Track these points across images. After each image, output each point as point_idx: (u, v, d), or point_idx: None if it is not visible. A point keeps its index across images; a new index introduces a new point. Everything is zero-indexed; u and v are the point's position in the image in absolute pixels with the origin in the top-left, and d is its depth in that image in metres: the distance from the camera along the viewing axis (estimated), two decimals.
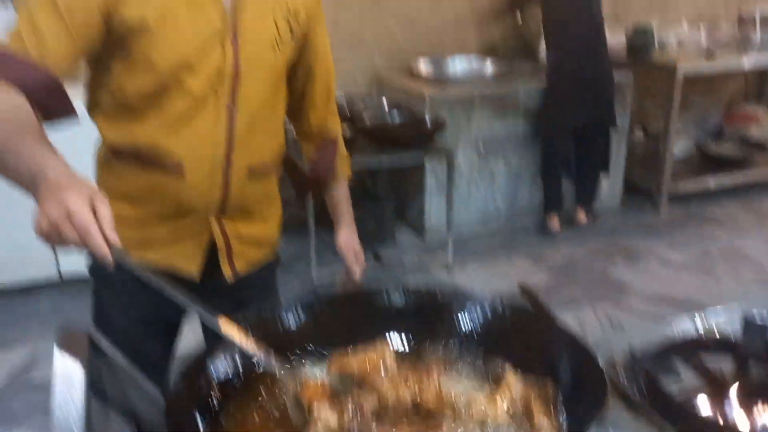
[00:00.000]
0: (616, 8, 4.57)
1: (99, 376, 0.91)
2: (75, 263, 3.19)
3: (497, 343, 0.93)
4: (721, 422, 0.99)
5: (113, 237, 0.87)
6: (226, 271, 1.33)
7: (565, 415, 0.77)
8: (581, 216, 3.97)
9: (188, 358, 0.84)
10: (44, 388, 1.90)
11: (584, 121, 3.79)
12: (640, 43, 4.16)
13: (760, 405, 1.04)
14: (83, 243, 0.85)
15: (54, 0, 1.07)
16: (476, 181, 3.88)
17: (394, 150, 3.28)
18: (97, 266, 1.36)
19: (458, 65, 4.08)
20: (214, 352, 0.87)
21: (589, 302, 3.11)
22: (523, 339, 0.91)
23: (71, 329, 0.86)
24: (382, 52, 4.07)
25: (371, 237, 3.59)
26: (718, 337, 1.16)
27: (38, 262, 3.14)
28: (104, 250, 0.86)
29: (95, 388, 0.90)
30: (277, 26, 1.25)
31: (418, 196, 3.85)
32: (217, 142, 1.23)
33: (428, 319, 0.97)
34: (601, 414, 0.68)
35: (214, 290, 1.30)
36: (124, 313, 1.36)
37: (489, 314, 0.95)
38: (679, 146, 4.55)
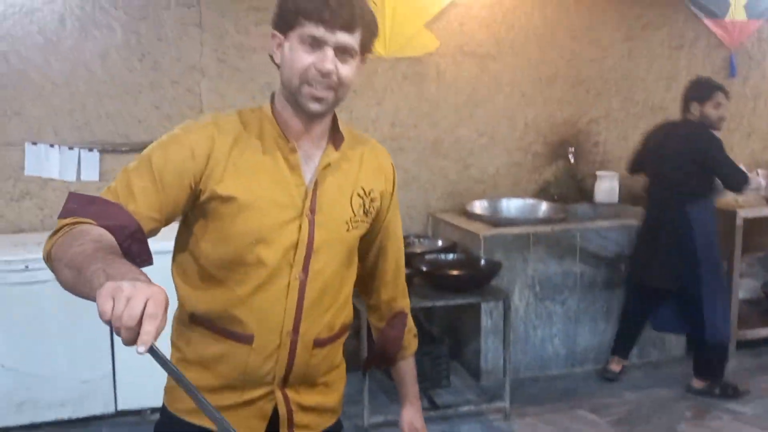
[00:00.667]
0: None
1: None
2: (131, 397, 3.24)
3: None
4: None
5: (159, 332, 0.87)
6: None
7: None
8: (614, 366, 3.78)
9: None
10: None
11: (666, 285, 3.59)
12: None
13: None
14: (138, 326, 0.86)
15: (151, 169, 1.20)
16: (533, 324, 3.83)
17: (450, 291, 3.29)
18: (163, 428, 1.39)
19: (513, 206, 4.17)
20: None
21: None
22: None
23: None
24: (437, 193, 4.20)
25: (426, 379, 3.52)
26: None
27: (98, 397, 3.21)
28: (151, 340, 0.86)
29: None
30: (352, 206, 1.33)
31: (473, 337, 3.80)
32: (287, 313, 1.27)
33: None
34: None
35: None
36: None
37: None
38: (745, 289, 4.41)
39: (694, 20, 4.53)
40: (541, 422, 3.35)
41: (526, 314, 3.80)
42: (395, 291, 1.51)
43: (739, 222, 3.88)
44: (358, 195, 1.34)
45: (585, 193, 4.41)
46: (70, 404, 3.19)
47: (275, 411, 1.33)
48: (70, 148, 3.55)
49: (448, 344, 3.75)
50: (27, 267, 3.04)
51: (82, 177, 3.57)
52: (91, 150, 3.57)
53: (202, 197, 1.24)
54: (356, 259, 1.42)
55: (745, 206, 3.99)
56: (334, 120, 1.34)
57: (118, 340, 3.38)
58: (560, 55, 4.32)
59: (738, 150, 4.77)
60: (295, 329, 1.28)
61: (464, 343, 3.92)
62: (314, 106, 1.23)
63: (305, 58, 1.20)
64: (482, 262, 3.50)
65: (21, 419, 3.14)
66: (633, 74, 4.50)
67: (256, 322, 1.26)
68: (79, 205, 1.16)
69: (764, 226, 4.67)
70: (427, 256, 3.55)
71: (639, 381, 3.76)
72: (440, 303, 3.29)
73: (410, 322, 1.55)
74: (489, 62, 4.18)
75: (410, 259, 3.44)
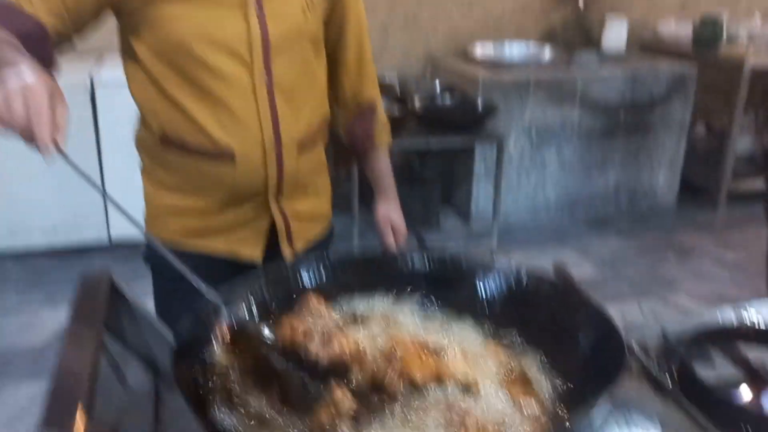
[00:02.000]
0: None
1: (119, 321, 0.92)
2: (124, 228, 3.28)
3: (516, 311, 0.90)
4: (757, 412, 0.93)
5: (62, 132, 0.84)
6: (286, 252, 1.31)
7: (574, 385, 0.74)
8: None
9: (203, 307, 0.84)
10: None
11: None
12: (707, 34, 3.98)
13: None
14: (29, 125, 0.81)
15: None
16: (527, 170, 3.81)
17: (444, 133, 3.24)
18: (152, 254, 1.34)
19: (515, 50, 4.01)
20: (229, 302, 0.86)
21: (635, 298, 3.02)
22: (543, 309, 0.87)
23: (93, 274, 0.87)
24: (437, 35, 4.03)
25: (416, 220, 3.57)
26: (759, 327, 1.10)
27: (91, 226, 3.25)
28: (48, 139, 0.82)
29: (115, 332, 0.91)
30: None
31: (465, 181, 3.80)
32: (262, 121, 1.18)
33: (449, 284, 0.95)
34: (613, 386, 0.65)
35: None
36: (183, 301, 1.35)
37: (512, 283, 0.92)
38: (743, 143, 4.35)
39: None
40: (527, 260, 3.42)
41: (520, 161, 3.77)
42: (360, 81, 1.38)
43: (746, 73, 3.74)
44: None
45: (592, 40, 4.22)
46: (62, 231, 3.24)
47: (272, 226, 1.29)
48: None
49: (440, 188, 3.75)
50: None
51: None
52: None
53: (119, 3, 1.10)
54: (323, 48, 1.29)
55: (755, 57, 3.83)
56: None
57: (108, 168, 3.36)
58: None
59: None
60: (276, 137, 1.19)
61: (456, 188, 3.93)
62: None
63: None
64: (479, 104, 3.42)
65: (15, 242, 3.22)
66: None
67: (232, 137, 1.17)
68: None
69: None
70: (423, 98, 3.46)
71: (626, 227, 3.81)
72: (434, 142, 3.25)
73: (382, 115, 1.43)
74: None
75: (406, 100, 3.36)
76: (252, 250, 1.28)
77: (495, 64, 3.73)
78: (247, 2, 1.13)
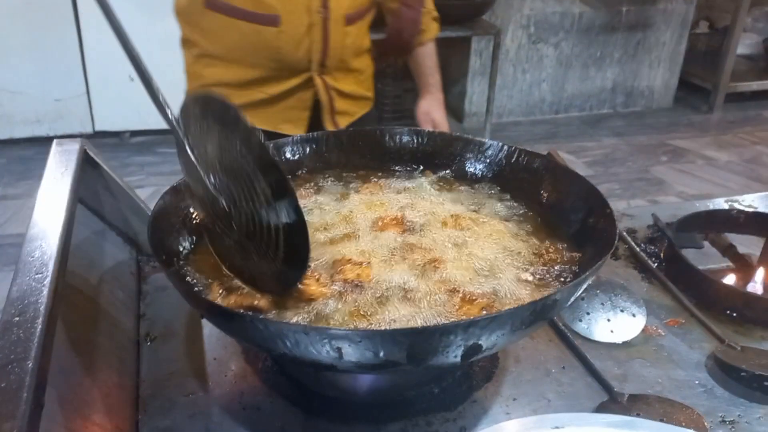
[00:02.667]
0: None
1: (96, 194, 0.89)
2: (108, 117, 3.22)
3: (508, 188, 0.88)
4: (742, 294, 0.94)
5: None
6: (330, 128, 1.29)
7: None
8: None
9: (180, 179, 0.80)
10: None
11: None
12: None
13: None
14: None
15: None
16: (523, 67, 3.71)
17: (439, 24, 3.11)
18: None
19: None
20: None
21: (626, 197, 3.02)
22: (536, 183, 0.85)
23: (67, 140, 0.83)
24: None
25: (409, 117, 3.50)
26: (749, 211, 1.09)
27: (73, 115, 3.18)
28: None
29: (91, 206, 0.88)
30: None
31: (460, 78, 3.70)
32: None
33: (438, 161, 0.92)
34: (605, 257, 0.63)
35: None
36: None
37: (503, 160, 0.89)
38: (746, 43, 4.24)
39: None
40: None
41: (517, 56, 3.66)
42: None
43: None
44: None
45: None
46: (46, 122, 3.17)
47: (315, 103, 1.26)
48: None
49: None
50: None
51: None
52: None
53: None
54: None
55: None
56: None
57: (89, 57, 3.25)
58: None
59: None
60: (324, 4, 1.16)
61: (450, 85, 3.84)
62: None
63: None
64: None
65: None
66: None
67: (279, 1, 1.13)
68: None
69: None
70: None
71: (621, 128, 3.77)
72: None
73: (429, 2, 1.37)
74: None
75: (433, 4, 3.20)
76: (295, 126, 1.27)
77: None
78: None
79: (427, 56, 1.39)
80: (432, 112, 1.39)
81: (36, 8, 2.92)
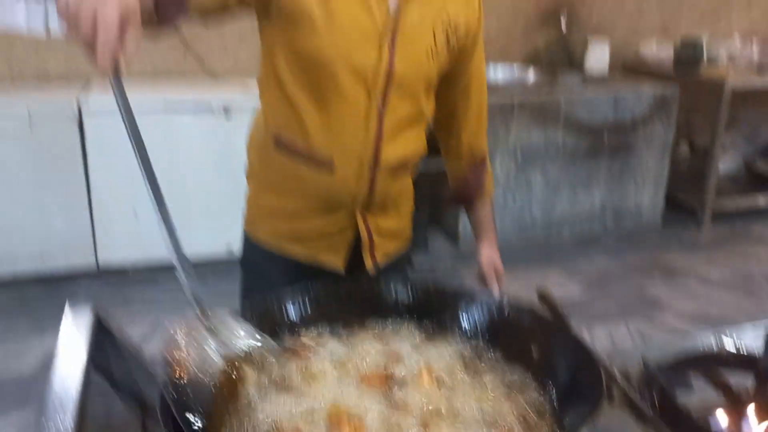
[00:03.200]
0: (665, 20, 4.48)
1: (106, 357, 0.93)
2: (112, 254, 3.28)
3: (498, 341, 0.92)
4: None
5: (126, 55, 0.78)
6: (368, 263, 1.40)
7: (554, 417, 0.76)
8: None
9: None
10: None
11: None
12: (688, 56, 4.06)
13: None
14: (93, 37, 0.76)
15: None
16: (513, 191, 3.84)
17: (432, 153, 3.26)
18: (248, 258, 1.44)
19: (500, 72, 4.06)
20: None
21: (622, 318, 3.04)
22: (525, 339, 0.89)
23: (79, 306, 0.88)
24: None
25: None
26: (739, 353, 1.12)
27: (77, 251, 3.24)
28: (107, 54, 0.76)
29: (102, 369, 0.91)
30: (435, 36, 1.28)
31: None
32: (367, 142, 1.28)
33: (432, 313, 0.96)
34: (593, 416, 0.66)
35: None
36: None
37: (494, 313, 0.94)
38: (726, 162, 4.42)
39: None
40: (514, 281, 3.44)
41: (506, 182, 3.81)
42: (477, 133, 1.49)
43: (726, 93, 3.81)
44: (442, 25, 1.29)
45: (575, 62, 4.29)
46: (49, 257, 3.22)
47: (356, 239, 1.38)
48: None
49: (428, 210, 3.78)
50: None
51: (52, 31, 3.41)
52: None
53: (275, 4, 1.19)
54: (433, 95, 1.39)
55: (735, 77, 3.90)
56: None
57: (95, 191, 3.35)
58: None
59: (736, 19, 4.62)
60: (375, 157, 1.29)
61: (444, 209, 3.96)
62: None
63: None
64: None
65: (0, 269, 3.20)
66: None
67: (336, 148, 1.28)
68: None
69: (751, 99, 4.62)
70: None
71: (613, 248, 3.85)
72: (422, 163, 3.26)
73: (488, 164, 1.54)
74: None
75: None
76: (335, 259, 1.39)
77: None
78: (384, 38, 1.23)
79: (487, 208, 1.55)
80: (494, 258, 1.52)
81: (44, 145, 3.06)
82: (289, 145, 1.30)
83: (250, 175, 1.43)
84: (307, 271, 1.37)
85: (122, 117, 0.85)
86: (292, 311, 0.97)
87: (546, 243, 3.90)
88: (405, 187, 1.45)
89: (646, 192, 4.07)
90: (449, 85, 1.40)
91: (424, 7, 1.27)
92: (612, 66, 4.23)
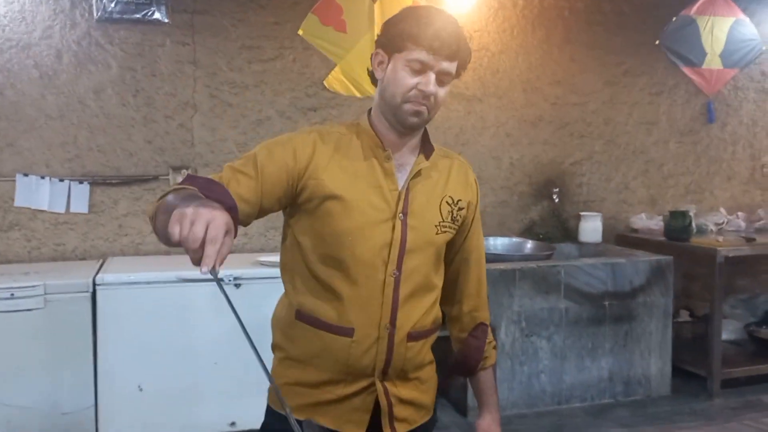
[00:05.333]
0: (652, 194, 4.75)
1: None
2: (111, 430, 3.18)
3: None
4: None
5: (222, 260, 0.99)
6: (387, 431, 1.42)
7: None
8: None
9: None
10: None
11: None
12: (678, 226, 4.24)
13: None
14: (202, 246, 0.97)
15: (255, 163, 1.34)
16: (520, 360, 3.83)
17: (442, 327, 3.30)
18: (270, 428, 1.46)
19: (499, 243, 4.23)
20: None
21: None
22: None
23: None
24: None
25: None
26: None
27: (80, 429, 3.15)
28: (213, 262, 0.97)
29: None
30: (441, 211, 1.44)
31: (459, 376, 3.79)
32: (384, 307, 1.37)
33: None
34: None
35: None
36: None
37: None
38: (729, 329, 4.45)
39: (673, 68, 4.71)
40: None
41: (513, 350, 3.80)
42: (477, 302, 1.58)
43: (720, 260, 3.94)
44: (447, 202, 1.45)
45: (569, 233, 4.48)
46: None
47: (376, 404, 1.41)
48: (61, 180, 3.59)
49: (437, 381, 3.73)
50: (12, 295, 3.03)
51: (72, 208, 3.60)
52: (81, 182, 3.61)
53: (302, 196, 1.36)
54: (443, 264, 1.51)
55: (726, 245, 4.06)
56: (425, 134, 1.47)
57: (100, 370, 3.32)
58: (544, 99, 4.45)
59: (719, 193, 4.89)
60: (392, 322, 1.38)
61: (452, 382, 3.91)
62: (413, 120, 1.38)
63: (410, 80, 1.34)
64: None
65: None
66: (615, 119, 4.64)
67: (356, 316, 1.36)
68: (189, 179, 1.28)
69: (744, 267, 4.76)
70: None
71: (626, 419, 3.75)
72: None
73: (490, 334, 1.61)
74: (475, 104, 4.30)
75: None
76: (356, 427, 1.41)
77: None
78: (397, 215, 1.39)
79: (488, 378, 1.61)
80: (492, 428, 1.57)
81: (56, 328, 3.08)
82: (311, 317, 1.39)
83: (275, 348, 1.50)
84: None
85: (225, 297, 1.05)
86: None
87: (557, 412, 3.81)
88: (424, 355, 1.49)
89: (652, 360, 4.05)
90: (450, 255, 1.54)
91: (429, 189, 1.44)
92: (605, 238, 4.42)
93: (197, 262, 0.98)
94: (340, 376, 1.39)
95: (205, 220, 0.98)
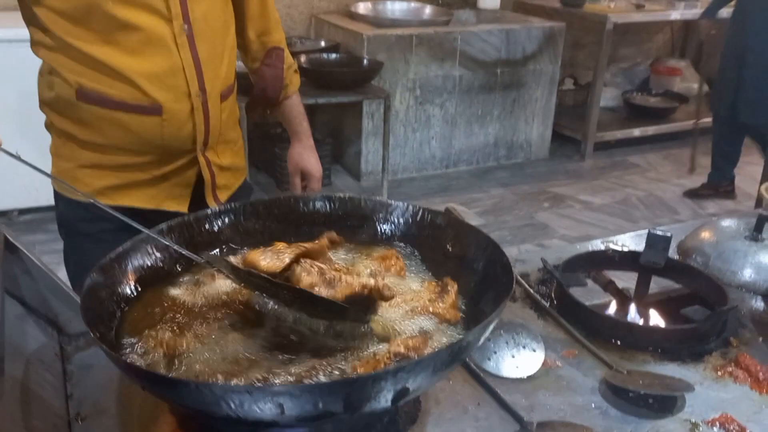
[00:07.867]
0: None
1: (16, 279, 0.90)
2: (24, 198, 3.08)
3: (415, 245, 0.97)
4: (623, 323, 1.07)
5: None
6: (211, 202, 1.32)
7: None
8: None
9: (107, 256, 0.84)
10: None
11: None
12: None
13: (656, 313, 1.13)
14: None
15: None
16: (413, 126, 3.91)
17: (332, 91, 3.26)
18: (66, 222, 1.29)
19: (397, 8, 4.08)
20: (133, 249, 0.87)
21: (516, 242, 3.23)
22: (440, 242, 0.95)
23: None
24: None
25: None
26: (623, 251, 1.24)
27: None
28: None
29: (13, 291, 0.89)
30: None
31: (355, 139, 3.85)
32: (187, 72, 1.17)
33: (350, 224, 1.00)
34: (506, 299, 0.73)
35: None
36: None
37: (410, 219, 0.99)
38: (607, 96, 4.69)
39: None
40: None
41: (406, 117, 3.87)
42: (265, 24, 1.39)
43: (609, 27, 4.02)
44: None
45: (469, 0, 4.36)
46: None
47: (197, 180, 1.29)
48: None
49: (330, 147, 3.79)
50: None
51: None
52: None
53: None
54: (230, 3, 1.29)
55: (616, 11, 4.12)
56: None
57: None
58: None
59: None
60: (201, 88, 1.19)
61: (346, 146, 3.98)
62: None
63: None
64: (365, 61, 3.46)
65: None
66: None
67: (157, 89, 1.15)
68: None
69: (630, 35, 4.91)
70: (310, 56, 3.45)
71: (506, 179, 4.03)
72: (322, 100, 3.26)
73: (289, 57, 1.45)
74: None
75: (292, 58, 3.33)
76: (178, 204, 1.29)
77: (378, 22, 3.77)
78: None
79: (294, 106, 1.47)
80: (301, 161, 1.47)
81: None
82: (97, 96, 1.15)
83: (53, 129, 1.26)
84: (148, 215, 1.19)
85: None
86: (211, 231, 0.97)
87: (445, 175, 4.03)
88: (234, 114, 1.37)
89: (535, 126, 4.26)
90: None
91: None
92: (503, 5, 4.35)
93: None
94: (153, 157, 1.22)
95: None
